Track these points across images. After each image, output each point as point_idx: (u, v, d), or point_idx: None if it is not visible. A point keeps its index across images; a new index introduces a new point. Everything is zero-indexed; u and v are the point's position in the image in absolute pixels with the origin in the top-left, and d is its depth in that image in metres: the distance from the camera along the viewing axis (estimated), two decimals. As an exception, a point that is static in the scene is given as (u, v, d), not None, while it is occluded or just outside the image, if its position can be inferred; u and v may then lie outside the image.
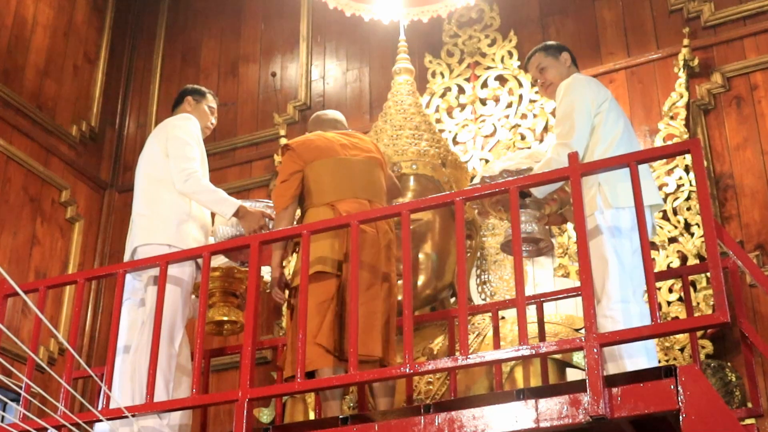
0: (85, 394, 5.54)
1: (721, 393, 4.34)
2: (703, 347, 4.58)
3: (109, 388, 3.64)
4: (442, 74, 6.06)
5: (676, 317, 4.71)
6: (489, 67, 5.95)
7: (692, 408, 2.88)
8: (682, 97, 5.24)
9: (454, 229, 3.60)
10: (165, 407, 3.82)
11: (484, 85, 5.91)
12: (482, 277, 5.27)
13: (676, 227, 4.97)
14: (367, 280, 3.86)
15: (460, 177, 5.27)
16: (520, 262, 3.32)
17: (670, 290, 4.82)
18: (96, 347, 6.14)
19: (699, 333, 4.42)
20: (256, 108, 6.63)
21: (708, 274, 4.27)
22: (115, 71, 7.03)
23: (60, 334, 5.59)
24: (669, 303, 4.80)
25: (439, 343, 4.73)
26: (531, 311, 4.21)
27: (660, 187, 4.94)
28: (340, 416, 3.46)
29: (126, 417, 3.61)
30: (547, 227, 4.09)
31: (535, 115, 5.65)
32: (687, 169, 5.03)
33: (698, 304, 4.66)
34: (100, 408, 3.79)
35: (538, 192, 3.81)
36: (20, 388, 3.67)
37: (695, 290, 4.69)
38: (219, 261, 4.43)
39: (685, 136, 5.11)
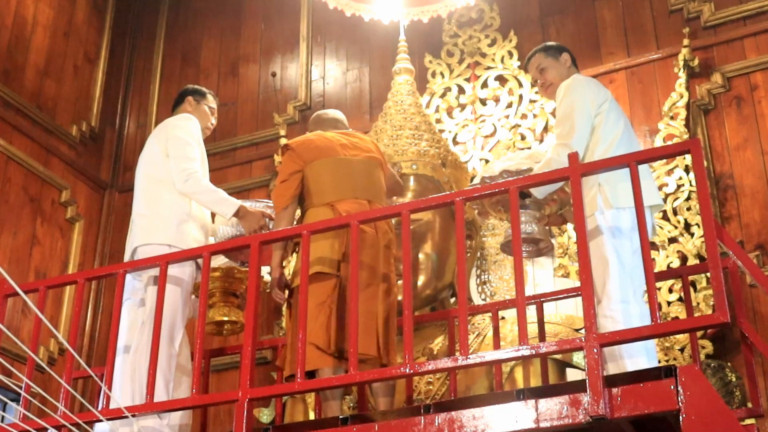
0: (85, 394, 5.54)
1: (721, 393, 4.34)
2: (703, 347, 4.58)
3: (109, 388, 3.64)
4: (442, 74, 6.06)
5: (676, 317, 4.71)
6: (489, 67, 5.95)
7: (692, 408, 2.88)
8: (682, 97, 5.24)
9: (454, 229, 3.59)
10: (165, 407, 3.82)
11: (484, 85, 5.91)
12: (482, 277, 5.28)
13: (676, 227, 4.97)
14: (364, 280, 3.86)
15: (460, 177, 5.27)
16: (520, 262, 3.32)
17: (670, 290, 4.82)
18: (96, 347, 6.15)
19: (699, 333, 4.42)
20: (256, 108, 6.63)
21: (708, 274, 4.27)
22: (115, 71, 7.03)
23: (60, 334, 5.59)
24: (669, 303, 4.80)
25: (439, 343, 4.73)
26: (531, 311, 4.21)
27: (660, 187, 4.94)
28: (340, 416, 3.47)
29: (126, 417, 3.61)
30: (547, 228, 4.09)
31: (535, 116, 5.65)
32: (687, 169, 5.03)
33: (698, 304, 4.66)
34: (100, 408, 3.79)
35: (538, 192, 3.81)
36: (20, 388, 3.67)
37: (695, 290, 4.69)
38: (219, 261, 4.43)
39: (685, 137, 5.11)
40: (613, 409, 2.97)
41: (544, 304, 4.46)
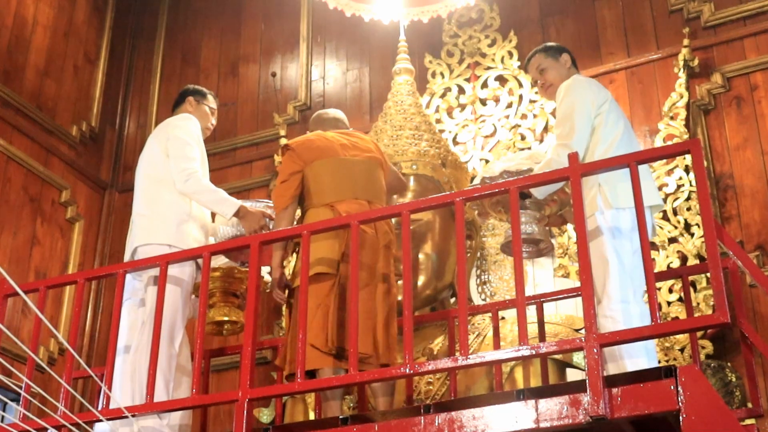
0: (85, 394, 5.54)
1: (721, 393, 4.34)
2: (703, 347, 4.58)
3: (109, 388, 3.64)
4: (442, 74, 6.06)
5: (676, 317, 4.71)
6: (489, 68, 5.95)
7: (692, 408, 2.88)
8: (682, 97, 5.25)
9: (454, 229, 3.60)
10: (165, 407, 3.82)
11: (484, 85, 5.91)
12: (482, 277, 5.28)
13: (676, 227, 4.97)
14: (363, 280, 3.85)
15: (460, 177, 5.27)
16: (520, 262, 3.32)
17: (670, 290, 4.82)
18: (96, 347, 6.15)
19: (699, 333, 4.42)
20: (256, 108, 6.63)
21: (708, 274, 4.27)
22: (115, 71, 7.03)
23: (60, 334, 5.59)
24: (669, 303, 4.80)
25: (439, 343, 4.73)
26: (531, 311, 4.21)
27: (660, 188, 4.94)
28: (340, 416, 3.46)
29: (126, 417, 3.61)
30: (547, 228, 4.09)
31: (535, 116, 5.65)
32: (687, 170, 5.03)
33: (698, 304, 4.66)
34: (100, 408, 3.79)
35: (539, 193, 3.81)
36: (20, 388, 3.67)
37: (695, 290, 4.69)
38: (219, 261, 4.43)
39: (685, 137, 5.11)
40: (613, 410, 2.97)
41: (544, 305, 4.46)
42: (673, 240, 4.96)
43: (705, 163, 4.32)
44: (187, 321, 4.30)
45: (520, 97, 5.75)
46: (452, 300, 5.10)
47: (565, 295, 4.50)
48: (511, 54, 5.93)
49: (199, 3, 7.21)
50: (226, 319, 4.38)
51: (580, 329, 4.36)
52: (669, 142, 5.11)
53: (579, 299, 4.11)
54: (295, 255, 4.53)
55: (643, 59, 5.59)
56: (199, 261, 4.17)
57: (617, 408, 2.97)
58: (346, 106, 6.24)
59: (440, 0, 5.72)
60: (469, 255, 5.19)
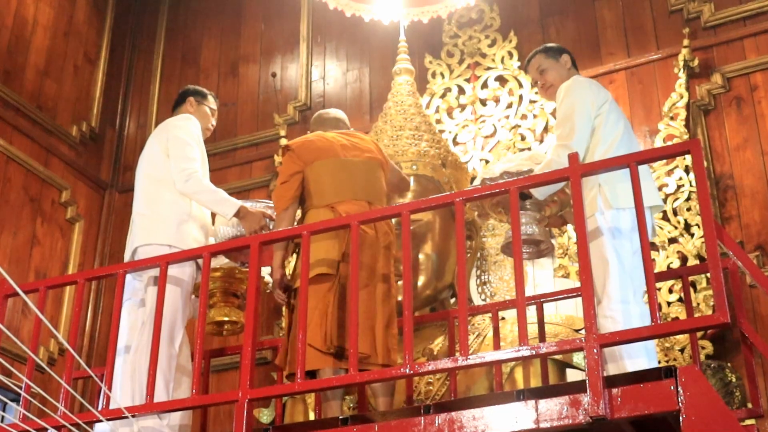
0: (85, 394, 5.54)
1: (721, 393, 4.34)
2: (703, 348, 4.58)
3: (109, 389, 3.64)
4: (442, 75, 6.06)
5: (676, 318, 4.71)
6: (489, 68, 5.95)
7: (692, 409, 2.88)
8: (682, 97, 5.25)
9: (454, 229, 3.60)
10: (165, 407, 3.82)
11: (484, 85, 5.91)
12: (482, 277, 5.27)
13: (676, 228, 4.97)
14: (362, 280, 3.85)
15: (460, 177, 5.28)
16: (520, 263, 3.32)
17: (670, 291, 4.82)
18: (96, 347, 6.15)
19: (699, 333, 4.42)
20: (256, 108, 6.63)
21: (708, 274, 4.27)
22: (115, 71, 7.03)
23: (60, 334, 5.59)
24: (669, 303, 4.80)
25: (439, 343, 4.73)
26: (531, 312, 4.21)
27: (660, 188, 4.94)
28: (340, 417, 3.46)
29: (126, 417, 3.61)
30: (547, 229, 4.09)
31: (535, 116, 5.65)
32: (687, 170, 5.03)
33: (698, 304, 4.66)
34: (100, 408, 3.80)
35: (539, 193, 3.81)
36: (20, 388, 3.67)
37: (695, 291, 4.69)
38: (219, 261, 4.43)
39: (685, 137, 5.11)
40: (613, 410, 2.97)
41: (544, 305, 4.46)
42: (673, 240, 4.96)
43: (705, 164, 4.32)
44: (187, 321, 4.30)
45: (520, 97, 5.75)
46: (452, 300, 5.10)
47: (565, 295, 4.50)
48: (511, 54, 5.93)
49: (199, 3, 7.21)
50: (226, 319, 4.38)
51: (580, 329, 4.36)
52: (669, 143, 5.11)
53: (579, 300, 4.11)
54: (295, 255, 4.53)
55: (643, 59, 5.59)
56: (200, 261, 4.18)
57: (617, 408, 2.98)
58: (346, 106, 6.24)
59: (440, 0, 5.72)
60: (469, 255, 5.19)
